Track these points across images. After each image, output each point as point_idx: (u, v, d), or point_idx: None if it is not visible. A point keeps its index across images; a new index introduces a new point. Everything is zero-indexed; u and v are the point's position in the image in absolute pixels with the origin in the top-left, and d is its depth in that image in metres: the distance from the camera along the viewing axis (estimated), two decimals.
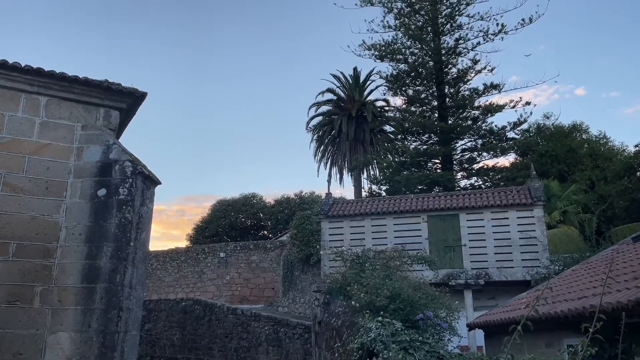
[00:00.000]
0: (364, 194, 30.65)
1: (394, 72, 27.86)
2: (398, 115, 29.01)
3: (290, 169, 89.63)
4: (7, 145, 8.16)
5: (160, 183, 9.42)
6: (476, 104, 26.25)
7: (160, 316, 24.11)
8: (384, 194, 26.92)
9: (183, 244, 42.52)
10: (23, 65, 8.26)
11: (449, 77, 27.07)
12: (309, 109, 34.57)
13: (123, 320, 7.91)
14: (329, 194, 20.21)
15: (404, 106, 28.83)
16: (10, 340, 7.51)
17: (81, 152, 8.69)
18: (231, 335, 21.25)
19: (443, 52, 26.77)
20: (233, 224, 39.79)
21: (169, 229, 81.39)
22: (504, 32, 25.86)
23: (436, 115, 26.97)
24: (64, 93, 8.73)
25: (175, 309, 23.95)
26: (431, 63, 26.89)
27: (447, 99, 26.96)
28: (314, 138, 34.08)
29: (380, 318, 7.25)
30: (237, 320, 21.32)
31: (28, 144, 8.35)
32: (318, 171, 52.13)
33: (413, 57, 27.40)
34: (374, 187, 29.64)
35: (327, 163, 33.97)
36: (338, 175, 33.52)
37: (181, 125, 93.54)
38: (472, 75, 26.90)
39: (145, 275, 8.99)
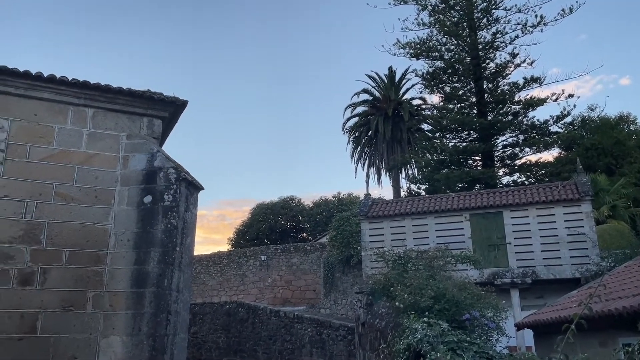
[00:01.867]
0: (402, 193, 30.35)
1: (430, 70, 27.49)
2: (435, 113, 28.56)
3: (328, 171, 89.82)
4: (58, 157, 8.50)
5: (202, 188, 9.61)
6: (516, 99, 25.58)
7: (205, 319, 24.55)
8: (423, 193, 26.57)
9: (224, 247, 43.19)
10: (70, 79, 8.58)
11: (487, 72, 26.48)
12: (345, 110, 34.55)
13: (172, 323, 8.11)
14: (367, 195, 20.12)
15: (442, 103, 28.38)
16: (66, 344, 7.81)
17: (127, 161, 8.96)
18: (275, 337, 21.41)
19: (480, 47, 26.23)
20: (273, 227, 40.17)
21: (210, 234, 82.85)
22: (543, 24, 25.11)
23: (475, 111, 26.43)
24: (109, 104, 9.02)
25: (220, 312, 24.34)
26: (468, 59, 26.38)
27: (486, 95, 26.38)
28: (351, 139, 34.01)
29: (425, 319, 7.16)
30: (280, 323, 21.47)
31: (77, 154, 8.67)
32: (355, 172, 51.76)
33: (449, 54, 26.96)
34: (412, 186, 29.31)
35: (364, 164, 33.83)
36: (376, 176, 33.34)
37: (219, 129, 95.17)
38: (511, 69, 26.24)
39: (191, 279, 9.18)
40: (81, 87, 8.71)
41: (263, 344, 21.74)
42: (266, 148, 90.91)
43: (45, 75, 8.42)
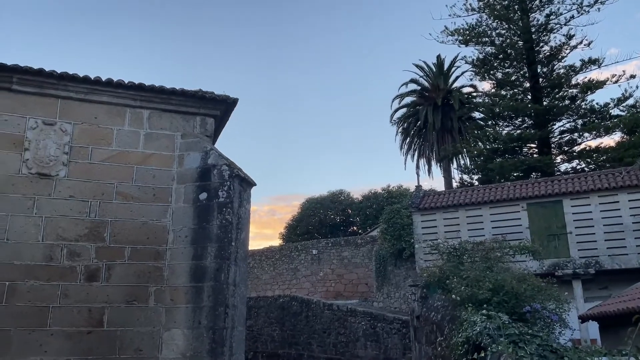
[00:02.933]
0: (454, 184, 29.71)
1: (480, 56, 26.69)
2: (487, 100, 27.72)
3: (376, 164, 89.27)
4: (117, 157, 8.84)
5: (255, 184, 9.75)
6: (573, 82, 24.44)
7: (260, 313, 25.02)
8: (476, 183, 25.91)
9: (276, 242, 43.83)
10: (127, 82, 8.90)
11: (541, 55, 25.43)
12: (392, 101, 34.10)
13: (230, 316, 8.30)
14: (418, 187, 19.83)
15: (493, 90, 27.50)
16: (131, 337, 8.15)
17: (182, 160, 9.22)
18: (329, 330, 21.55)
19: (533, 30, 25.20)
20: (323, 221, 40.34)
21: (261, 229, 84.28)
22: (600, 2, 23.86)
23: (529, 97, 25.47)
24: (163, 105, 9.30)
25: (274, 305, 24.74)
26: (520, 43, 25.43)
27: (541, 79, 25.34)
28: (399, 130, 33.57)
29: (484, 311, 6.99)
30: (333, 316, 21.58)
31: (135, 154, 8.99)
32: (405, 164, 51.05)
33: (500, 39, 26.08)
34: (465, 176, 28.62)
35: (413, 155, 33.32)
36: (426, 167, 32.77)
37: (266, 125, 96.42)
38: (567, 51, 25.08)
39: (247, 274, 9.36)
40: (137, 89, 9.01)
41: (317, 337, 21.93)
42: (314, 142, 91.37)
43: (103, 79, 8.76)
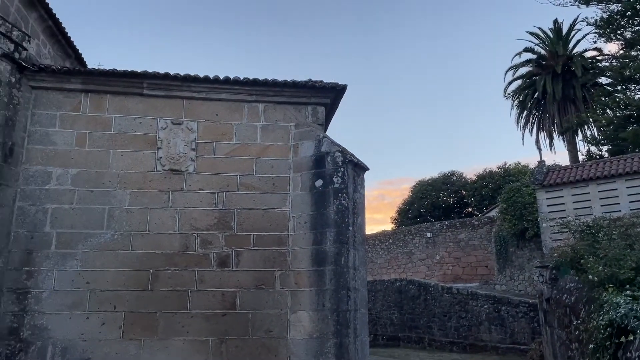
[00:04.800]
0: (580, 157, 27.40)
1: (605, 15, 24.11)
2: (615, 63, 25.07)
3: (489, 141, 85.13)
4: (239, 150, 9.36)
5: (368, 169, 9.78)
6: None
7: (378, 296, 25.22)
8: (606, 155, 23.67)
9: (387, 227, 43.72)
10: (242, 79, 9.35)
11: None
12: (505, 73, 32.21)
13: (352, 299, 8.46)
14: (541, 162, 18.58)
15: (622, 52, 24.79)
16: (261, 319, 8.63)
17: (297, 149, 9.51)
18: (449, 314, 21.14)
19: None
20: (435, 204, 39.49)
21: (371, 214, 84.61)
22: None
23: None
24: (277, 98, 9.64)
25: (391, 289, 24.79)
26: None
27: None
28: (515, 104, 31.62)
29: (628, 292, 6.39)
30: (453, 300, 21.11)
31: (254, 147, 9.45)
32: (523, 139, 48.52)
33: None
34: (592, 148, 26.28)
35: (532, 129, 31.23)
36: (547, 141, 30.55)
37: (370, 109, 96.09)
38: None
39: (365, 257, 9.45)
40: (252, 85, 9.43)
41: (437, 321, 21.61)
42: (421, 124, 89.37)
43: (222, 77, 9.29)
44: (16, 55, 8.63)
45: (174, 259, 8.66)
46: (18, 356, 7.86)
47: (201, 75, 9.24)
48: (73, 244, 8.42)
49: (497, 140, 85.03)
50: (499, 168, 37.82)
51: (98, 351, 8.06)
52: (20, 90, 8.68)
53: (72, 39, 11.43)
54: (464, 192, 39.81)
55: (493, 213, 29.56)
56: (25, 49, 8.86)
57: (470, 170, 52.23)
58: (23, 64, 8.67)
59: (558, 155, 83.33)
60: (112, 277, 8.40)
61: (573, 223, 10.70)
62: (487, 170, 38.46)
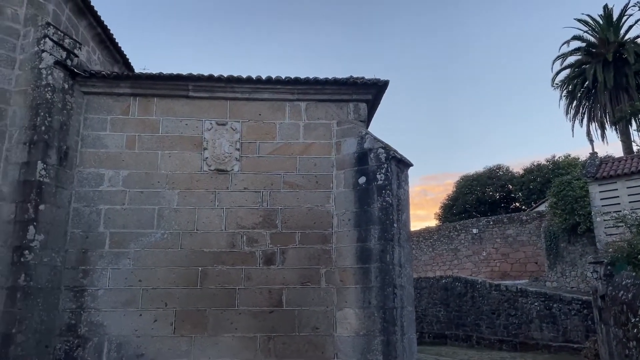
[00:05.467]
0: (635, 148, 26.12)
1: None
2: None
3: (537, 134, 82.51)
4: (282, 149, 9.44)
5: (412, 165, 9.68)
6: None
7: (423, 294, 24.91)
8: None
9: (429, 223, 43.13)
10: (284, 78, 9.42)
11: None
12: (553, 63, 31.08)
13: (398, 296, 8.39)
14: (593, 154, 17.89)
15: None
16: (307, 316, 8.69)
17: (339, 146, 9.51)
18: (498, 311, 20.65)
19: None
20: (480, 199, 38.61)
21: (413, 210, 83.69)
22: None
23: None
24: (318, 95, 9.66)
25: (436, 286, 24.44)
26: None
27: None
28: (563, 94, 30.46)
29: None
30: (501, 297, 20.61)
31: (296, 145, 9.51)
32: (573, 130, 46.64)
33: None
34: None
35: (582, 120, 30.02)
36: (599, 132, 29.27)
37: (410, 105, 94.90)
38: None
39: (411, 254, 9.36)
40: (294, 84, 9.49)
41: (486, 319, 21.16)
42: (464, 117, 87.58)
43: (264, 77, 9.39)
44: (68, 62, 9.01)
45: (221, 257, 8.83)
46: (76, 352, 8.22)
47: (244, 76, 9.37)
48: (125, 243, 8.73)
49: (545, 133, 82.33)
50: (547, 161, 36.59)
51: (151, 347, 8.33)
52: (73, 96, 9.05)
53: (119, 45, 11.82)
54: (510, 187, 38.75)
55: (542, 207, 28.65)
56: (76, 55, 9.23)
57: (517, 163, 50.77)
58: (75, 70, 9.04)
59: (611, 146, 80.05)
60: (162, 275, 8.65)
61: (629, 217, 10.24)
62: (535, 164, 37.26)
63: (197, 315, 8.54)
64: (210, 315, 8.57)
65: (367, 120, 10.10)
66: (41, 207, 8.13)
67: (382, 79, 9.66)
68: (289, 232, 9.06)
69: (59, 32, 9.06)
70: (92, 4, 10.34)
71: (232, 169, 9.24)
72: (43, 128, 8.40)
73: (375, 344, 8.17)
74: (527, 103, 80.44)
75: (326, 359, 8.49)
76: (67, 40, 9.12)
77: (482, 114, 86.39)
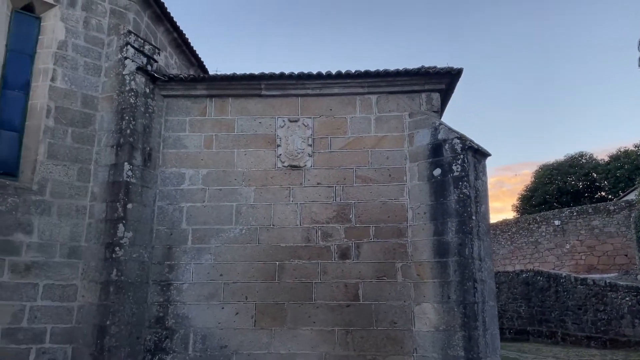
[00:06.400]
0: None
1: None
2: None
3: (622, 118, 76.91)
4: (353, 143, 9.41)
5: (489, 155, 9.32)
6: None
7: (502, 288, 24.02)
8: None
9: (506, 215, 41.54)
10: (354, 71, 9.38)
11: None
12: (639, 43, 28.84)
13: (479, 291, 8.12)
14: None
15: None
16: (384, 310, 8.62)
17: (412, 138, 9.33)
18: (584, 307, 19.51)
19: None
20: (562, 189, 36.67)
21: (489, 202, 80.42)
22: None
23: None
24: (389, 88, 9.53)
25: (516, 280, 23.48)
26: None
27: None
28: None
29: None
30: (588, 291, 19.45)
31: (368, 139, 9.43)
32: None
33: None
34: None
35: None
36: None
37: (482, 92, 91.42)
38: None
39: (491, 248, 9.02)
40: (364, 77, 9.42)
41: (571, 314, 20.07)
42: (543, 104, 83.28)
43: (334, 72, 9.39)
44: (149, 67, 9.47)
45: (297, 251, 8.96)
46: (165, 342, 8.66)
47: (314, 72, 9.41)
48: (206, 239, 9.07)
49: (632, 117, 76.57)
50: (636, 146, 34.11)
51: (233, 339, 8.62)
52: (154, 99, 9.51)
53: (194, 48, 12.27)
54: (595, 175, 36.49)
55: (631, 196, 26.76)
56: (156, 61, 9.69)
57: (601, 150, 47.57)
58: (155, 75, 9.49)
59: None
60: (242, 270, 8.91)
61: None
62: (622, 150, 34.86)
63: (276, 308, 8.72)
64: (289, 308, 8.72)
65: (441, 111, 9.84)
66: (129, 206, 8.62)
67: (455, 67, 9.37)
68: (363, 226, 9.02)
69: (140, 39, 9.54)
70: (168, 10, 10.80)
71: (305, 165, 9.33)
72: (128, 131, 8.90)
73: (456, 339, 7.97)
74: (611, 85, 75.19)
75: (405, 354, 8.40)
76: (147, 47, 9.59)
77: (560, 100, 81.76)
